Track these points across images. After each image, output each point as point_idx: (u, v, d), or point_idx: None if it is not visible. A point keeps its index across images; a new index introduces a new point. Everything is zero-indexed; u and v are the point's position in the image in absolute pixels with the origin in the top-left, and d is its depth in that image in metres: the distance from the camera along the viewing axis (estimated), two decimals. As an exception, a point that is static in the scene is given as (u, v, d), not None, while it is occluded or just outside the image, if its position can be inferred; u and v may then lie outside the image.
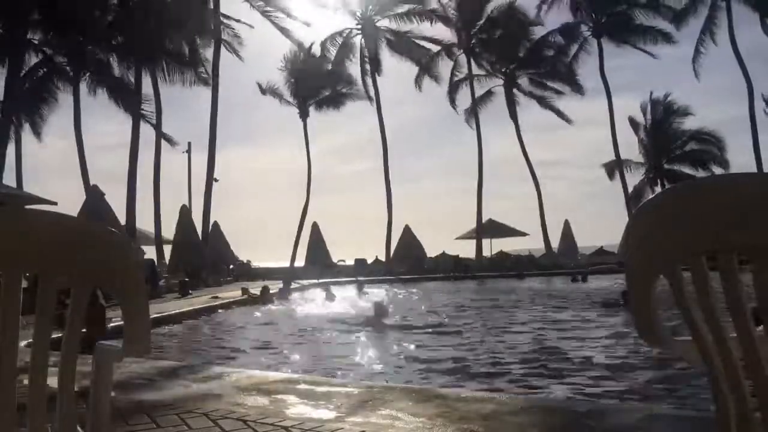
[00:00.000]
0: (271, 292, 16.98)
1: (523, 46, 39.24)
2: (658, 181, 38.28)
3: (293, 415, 3.70)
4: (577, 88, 39.18)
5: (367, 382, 5.90)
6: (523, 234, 38.93)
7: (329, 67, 38.06)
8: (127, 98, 29.76)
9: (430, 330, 10.50)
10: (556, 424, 3.41)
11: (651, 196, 1.32)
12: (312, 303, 16.73)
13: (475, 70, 40.09)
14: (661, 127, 38.21)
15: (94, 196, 21.44)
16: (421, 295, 18.89)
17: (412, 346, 8.82)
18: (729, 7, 35.19)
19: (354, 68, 38.90)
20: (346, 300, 16.68)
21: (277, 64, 38.42)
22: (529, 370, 6.76)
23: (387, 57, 38.70)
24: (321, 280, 23.63)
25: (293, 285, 20.50)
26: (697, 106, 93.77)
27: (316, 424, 3.45)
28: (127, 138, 28.55)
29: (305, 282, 22.71)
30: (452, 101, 40.45)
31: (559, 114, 40.35)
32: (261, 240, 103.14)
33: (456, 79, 40.20)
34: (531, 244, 42.04)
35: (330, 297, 17.30)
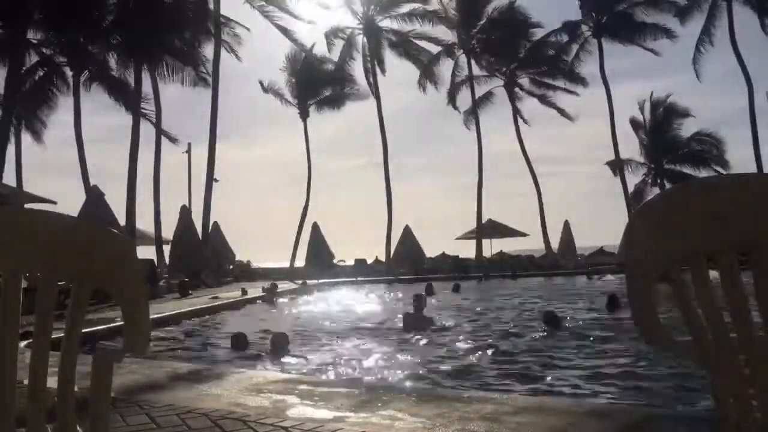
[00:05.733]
0: None
1: (523, 46, 39.26)
2: (659, 181, 38.31)
3: (293, 415, 3.70)
4: (580, 81, 39.20)
5: (368, 383, 5.90)
6: (523, 234, 38.95)
7: (330, 67, 38.08)
8: (127, 97, 29.76)
9: None
10: (556, 425, 3.41)
11: (651, 197, 1.32)
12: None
13: (476, 71, 40.17)
14: (662, 128, 38.23)
15: (94, 196, 21.48)
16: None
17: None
18: (730, 6, 35.22)
19: (355, 68, 38.96)
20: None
21: (278, 63, 38.55)
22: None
23: (388, 56, 38.77)
24: (322, 281, 23.65)
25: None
26: (700, 99, 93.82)
27: (316, 424, 3.45)
28: (126, 137, 28.58)
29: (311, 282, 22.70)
30: (453, 102, 40.48)
31: (561, 112, 40.40)
32: (261, 240, 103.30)
33: (457, 79, 40.24)
34: (531, 244, 42.11)
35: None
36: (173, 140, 32.32)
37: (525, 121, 40.57)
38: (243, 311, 14.61)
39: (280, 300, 17.18)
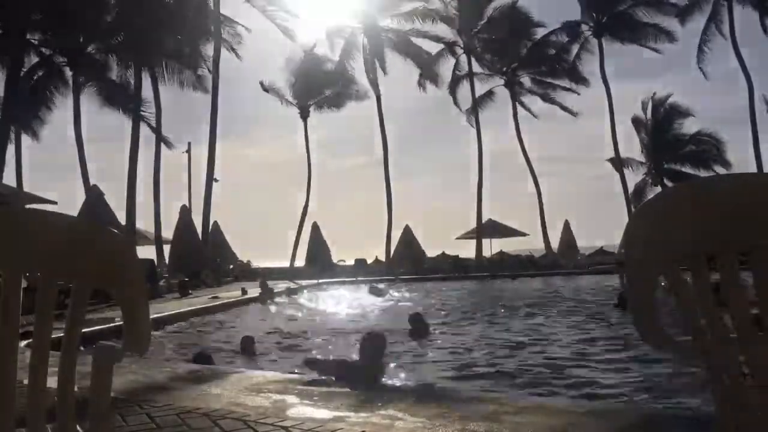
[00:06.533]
0: None
1: (524, 46, 39.26)
2: (659, 181, 38.29)
3: (293, 415, 3.70)
4: (581, 80, 39.26)
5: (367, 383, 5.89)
6: (523, 234, 38.93)
7: (330, 66, 38.07)
8: (127, 99, 29.75)
9: None
10: (556, 425, 3.41)
11: (651, 197, 1.32)
12: None
13: (476, 70, 40.16)
14: (662, 128, 38.22)
15: (94, 196, 21.48)
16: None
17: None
18: (730, 6, 35.22)
19: (356, 67, 38.96)
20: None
21: (278, 63, 38.57)
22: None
23: (389, 56, 38.73)
24: (321, 281, 23.63)
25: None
26: (700, 98, 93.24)
27: (316, 424, 3.45)
28: (126, 137, 28.58)
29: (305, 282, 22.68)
30: (455, 101, 40.51)
31: (563, 108, 40.41)
32: (261, 240, 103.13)
33: (457, 78, 40.23)
34: (531, 244, 42.08)
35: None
36: (169, 145, 31.96)
37: (533, 114, 40.70)
38: (231, 313, 13.86)
39: (268, 300, 16.62)
